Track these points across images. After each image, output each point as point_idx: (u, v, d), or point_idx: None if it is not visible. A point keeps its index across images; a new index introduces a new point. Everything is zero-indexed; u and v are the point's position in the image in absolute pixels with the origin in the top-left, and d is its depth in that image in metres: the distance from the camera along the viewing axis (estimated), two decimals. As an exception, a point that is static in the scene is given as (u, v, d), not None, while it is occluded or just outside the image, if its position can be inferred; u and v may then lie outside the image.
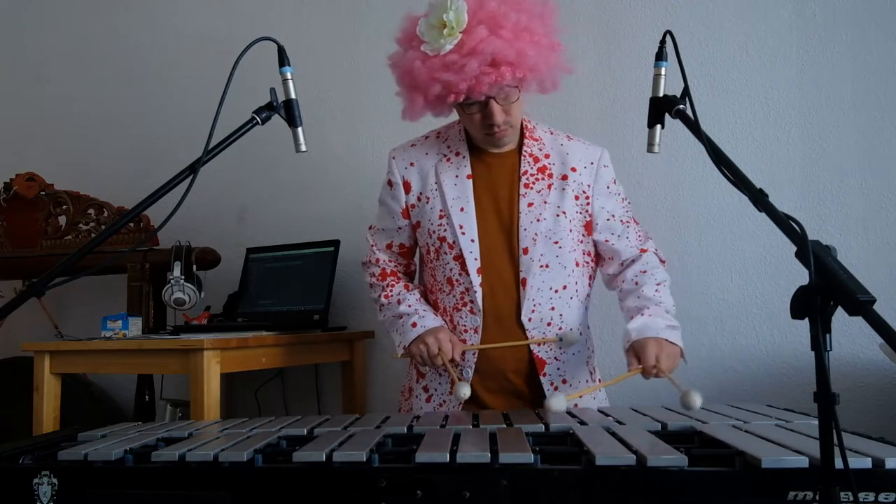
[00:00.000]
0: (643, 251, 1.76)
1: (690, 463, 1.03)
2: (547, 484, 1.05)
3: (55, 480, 1.19)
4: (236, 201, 2.88)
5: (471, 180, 1.72)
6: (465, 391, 1.52)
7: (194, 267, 2.53)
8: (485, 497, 1.05)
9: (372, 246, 1.87)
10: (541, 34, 1.55)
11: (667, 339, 1.59)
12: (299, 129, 1.48)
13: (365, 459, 1.10)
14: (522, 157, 1.73)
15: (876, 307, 0.85)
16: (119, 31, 3.14)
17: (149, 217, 2.66)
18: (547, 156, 1.74)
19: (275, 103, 1.45)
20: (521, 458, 1.07)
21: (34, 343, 2.29)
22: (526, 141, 1.75)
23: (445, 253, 1.72)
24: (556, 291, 1.71)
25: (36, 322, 2.81)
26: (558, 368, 1.72)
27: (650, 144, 1.40)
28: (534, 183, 1.71)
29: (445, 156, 1.76)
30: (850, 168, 2.19)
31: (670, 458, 1.04)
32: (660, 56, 1.37)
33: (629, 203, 1.81)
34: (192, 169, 1.36)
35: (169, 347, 2.04)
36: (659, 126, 1.39)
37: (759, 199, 1.05)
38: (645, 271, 1.74)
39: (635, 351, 1.58)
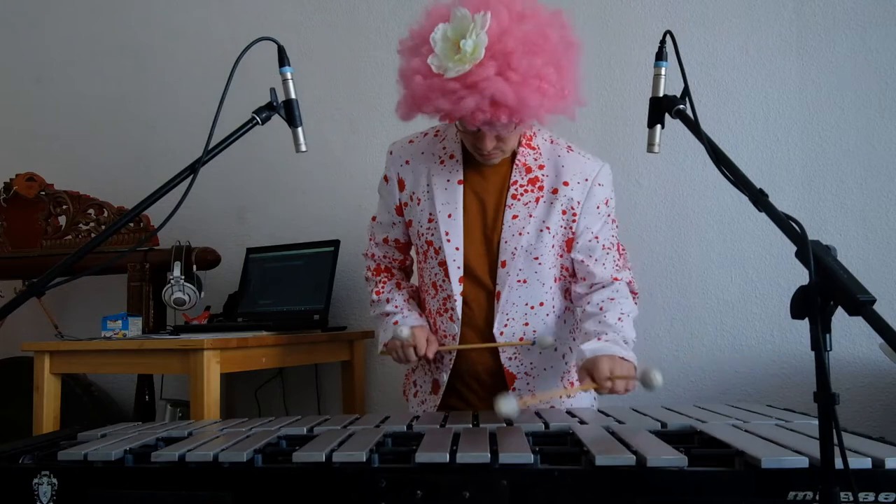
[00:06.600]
0: (616, 279, 1.69)
1: (690, 463, 1.03)
2: (547, 484, 1.05)
3: (55, 480, 1.19)
4: (236, 201, 2.88)
5: (461, 186, 1.68)
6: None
7: (194, 267, 2.53)
8: (485, 497, 1.05)
9: (370, 239, 1.87)
10: (552, 81, 1.45)
11: (621, 357, 1.52)
12: (299, 129, 1.48)
13: (365, 459, 1.10)
14: (514, 167, 1.68)
15: (876, 307, 0.85)
16: (119, 31, 3.13)
17: (149, 217, 2.66)
18: (541, 167, 1.68)
19: (275, 103, 1.45)
20: (521, 458, 1.07)
21: (34, 343, 2.28)
22: (521, 149, 1.68)
23: (431, 257, 1.71)
24: (532, 308, 1.69)
25: (36, 322, 2.81)
26: (528, 384, 1.71)
27: (650, 144, 1.40)
28: (522, 194, 1.66)
29: (440, 158, 1.72)
30: (850, 168, 2.19)
31: (670, 458, 1.04)
32: (660, 56, 1.37)
33: (618, 227, 1.75)
34: (192, 169, 1.36)
35: (169, 347, 2.04)
36: (659, 126, 1.38)
37: (759, 199, 1.05)
38: (613, 299, 1.66)
39: (587, 369, 1.50)
